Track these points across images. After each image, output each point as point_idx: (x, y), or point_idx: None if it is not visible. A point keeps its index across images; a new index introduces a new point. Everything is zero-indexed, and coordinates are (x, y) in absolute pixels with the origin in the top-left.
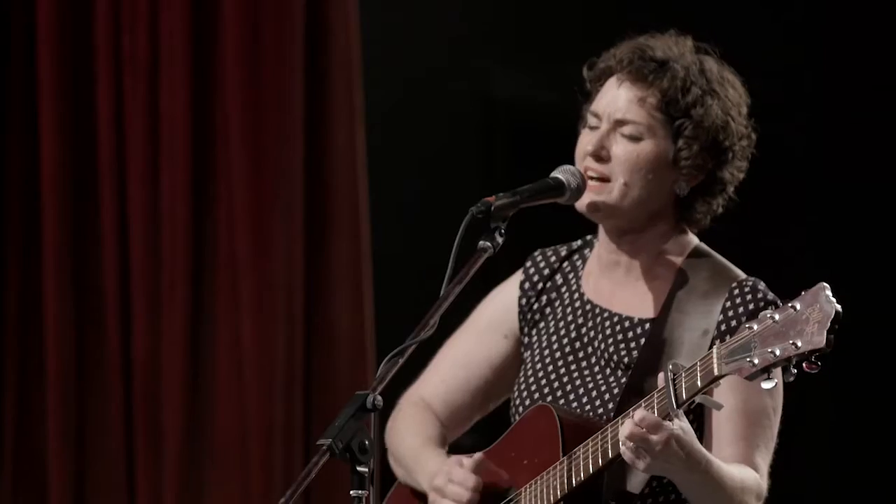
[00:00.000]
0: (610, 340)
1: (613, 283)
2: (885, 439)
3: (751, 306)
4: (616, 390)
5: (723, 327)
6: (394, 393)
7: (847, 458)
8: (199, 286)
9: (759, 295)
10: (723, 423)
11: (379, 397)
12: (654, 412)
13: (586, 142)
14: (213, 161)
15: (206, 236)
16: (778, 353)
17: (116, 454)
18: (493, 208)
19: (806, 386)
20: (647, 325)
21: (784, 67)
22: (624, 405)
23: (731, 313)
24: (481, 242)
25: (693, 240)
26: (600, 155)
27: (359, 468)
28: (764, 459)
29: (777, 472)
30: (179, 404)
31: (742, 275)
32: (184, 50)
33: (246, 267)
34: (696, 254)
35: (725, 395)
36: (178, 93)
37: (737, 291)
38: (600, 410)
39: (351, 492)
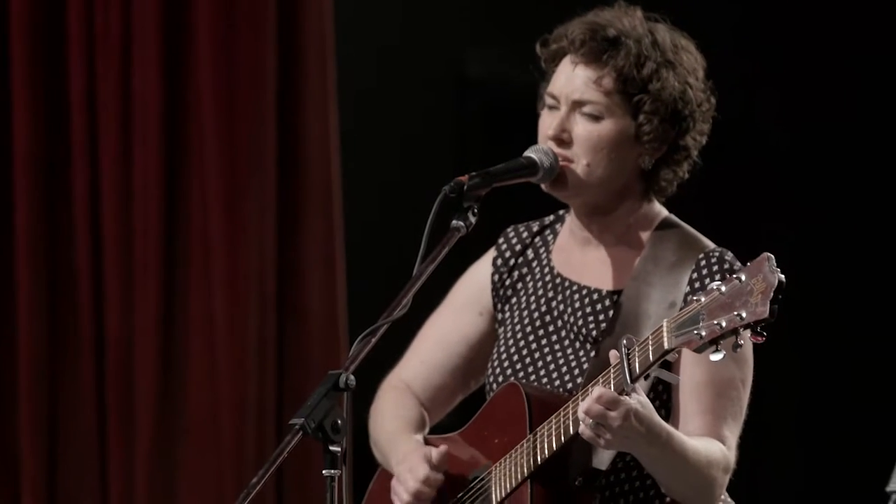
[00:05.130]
0: (579, 314)
1: (584, 257)
2: (852, 424)
3: (717, 277)
4: (585, 364)
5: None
6: (366, 373)
7: (814, 444)
8: (172, 266)
9: (726, 265)
10: (690, 395)
11: (352, 377)
12: (610, 388)
13: (547, 124)
14: (185, 141)
15: (178, 216)
16: (724, 324)
17: (89, 432)
18: (465, 188)
19: (774, 369)
20: (615, 297)
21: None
22: (591, 379)
23: (697, 285)
24: (454, 222)
25: (662, 211)
26: (562, 138)
27: (331, 447)
28: (732, 432)
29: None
30: (152, 383)
31: (710, 245)
32: (156, 30)
33: (219, 246)
34: (664, 225)
35: (692, 367)
36: (150, 73)
37: (703, 262)
38: (569, 385)
39: (323, 471)
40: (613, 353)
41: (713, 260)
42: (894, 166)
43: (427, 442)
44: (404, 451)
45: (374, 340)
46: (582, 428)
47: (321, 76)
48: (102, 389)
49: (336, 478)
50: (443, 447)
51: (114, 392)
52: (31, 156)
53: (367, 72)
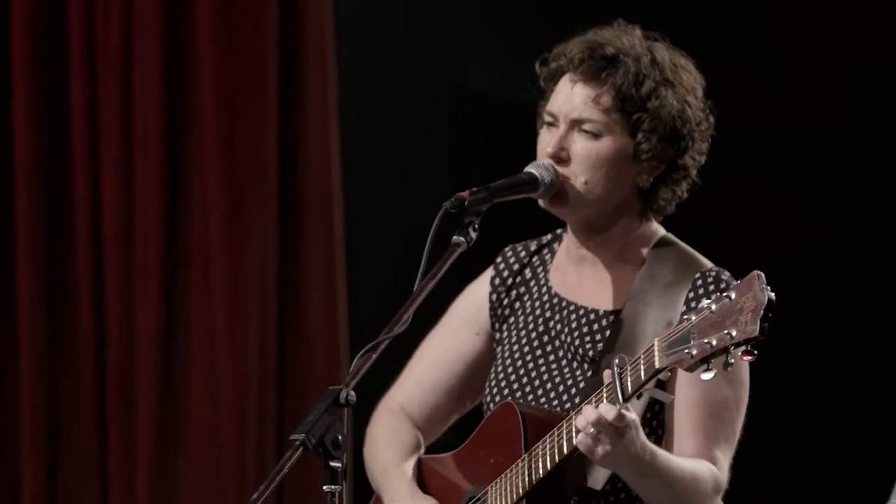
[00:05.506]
0: (576, 333)
1: (581, 276)
2: (852, 440)
3: (713, 296)
4: (582, 384)
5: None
6: (367, 388)
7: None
8: (173, 275)
9: (723, 285)
10: (683, 416)
11: (352, 392)
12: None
13: (545, 142)
14: (186, 149)
15: (179, 225)
16: (714, 343)
17: (89, 443)
18: (466, 203)
19: (774, 386)
20: (612, 318)
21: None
22: (587, 398)
23: (694, 304)
24: (455, 237)
25: (659, 230)
26: (560, 156)
27: (332, 463)
28: (724, 453)
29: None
30: (153, 394)
31: (707, 264)
32: (157, 38)
33: (219, 257)
34: (661, 244)
35: (686, 388)
36: (151, 81)
37: (700, 282)
38: (567, 405)
39: (324, 487)
40: (607, 373)
41: (709, 279)
42: (893, 181)
43: (422, 464)
44: (399, 494)
45: (374, 356)
46: (581, 437)
47: (322, 87)
48: (103, 398)
49: (337, 493)
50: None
51: (114, 401)
52: (33, 163)
53: (369, 82)
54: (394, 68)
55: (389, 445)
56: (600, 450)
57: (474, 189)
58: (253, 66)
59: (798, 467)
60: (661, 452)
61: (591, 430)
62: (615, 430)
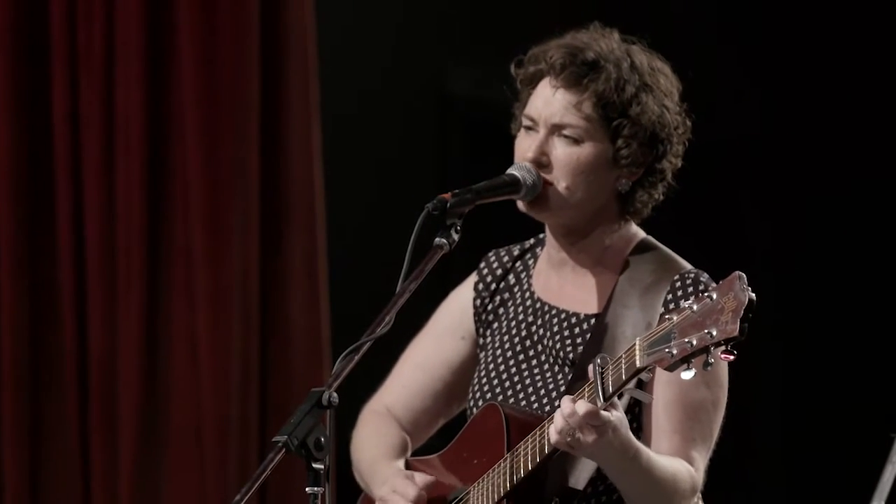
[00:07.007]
0: (557, 337)
1: (562, 280)
2: (837, 443)
3: (692, 297)
4: (563, 387)
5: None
6: (350, 390)
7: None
8: (155, 283)
9: (702, 286)
10: (660, 416)
11: (335, 394)
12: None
13: (525, 147)
14: (168, 157)
15: (161, 233)
16: (695, 342)
17: (72, 450)
18: (448, 205)
19: (757, 386)
20: (593, 321)
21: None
22: None
23: (672, 305)
24: (437, 239)
25: (639, 233)
26: (541, 161)
27: (314, 465)
28: (700, 453)
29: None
30: (135, 400)
31: (686, 266)
32: (139, 46)
33: (202, 263)
34: (641, 247)
35: (664, 388)
36: (133, 89)
37: (678, 284)
38: (548, 408)
39: (306, 488)
40: (590, 370)
41: (688, 281)
42: (874, 179)
43: (408, 465)
44: (386, 475)
45: (356, 358)
46: (553, 428)
47: (304, 92)
48: (85, 406)
49: (319, 495)
50: (426, 475)
51: (97, 408)
52: (14, 172)
53: (350, 88)
54: (376, 71)
55: (377, 444)
56: (571, 442)
57: (456, 191)
58: (235, 70)
59: (778, 468)
60: (644, 451)
61: (564, 423)
62: (589, 427)
